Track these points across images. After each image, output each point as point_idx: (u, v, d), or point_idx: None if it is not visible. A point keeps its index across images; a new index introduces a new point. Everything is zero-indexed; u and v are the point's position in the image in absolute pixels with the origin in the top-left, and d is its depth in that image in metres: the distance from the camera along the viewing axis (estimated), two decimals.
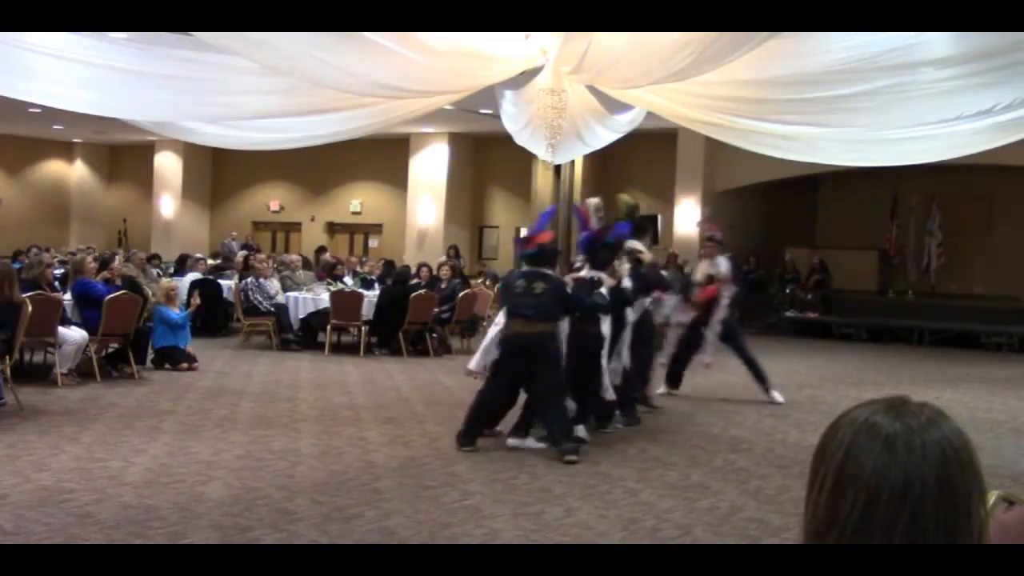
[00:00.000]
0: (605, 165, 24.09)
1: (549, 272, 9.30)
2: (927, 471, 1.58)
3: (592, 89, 9.33)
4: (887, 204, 22.79)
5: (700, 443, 9.69)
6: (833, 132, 9.28)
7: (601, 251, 9.74)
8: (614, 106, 10.14)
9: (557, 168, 23.60)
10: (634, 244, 10.48)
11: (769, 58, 7.60)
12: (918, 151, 9.49)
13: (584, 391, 9.45)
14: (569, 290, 9.30)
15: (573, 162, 23.40)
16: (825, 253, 23.14)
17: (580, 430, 9.30)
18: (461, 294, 17.29)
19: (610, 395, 9.65)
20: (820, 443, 1.70)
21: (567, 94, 8.89)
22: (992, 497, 2.80)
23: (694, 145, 21.80)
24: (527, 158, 17.72)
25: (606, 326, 9.53)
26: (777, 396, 12.14)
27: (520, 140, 10.46)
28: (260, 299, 16.52)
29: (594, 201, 10.32)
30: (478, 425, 9.23)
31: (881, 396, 1.66)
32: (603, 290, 9.33)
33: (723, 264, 12.18)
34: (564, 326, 9.35)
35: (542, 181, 24.92)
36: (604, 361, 9.53)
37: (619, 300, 9.65)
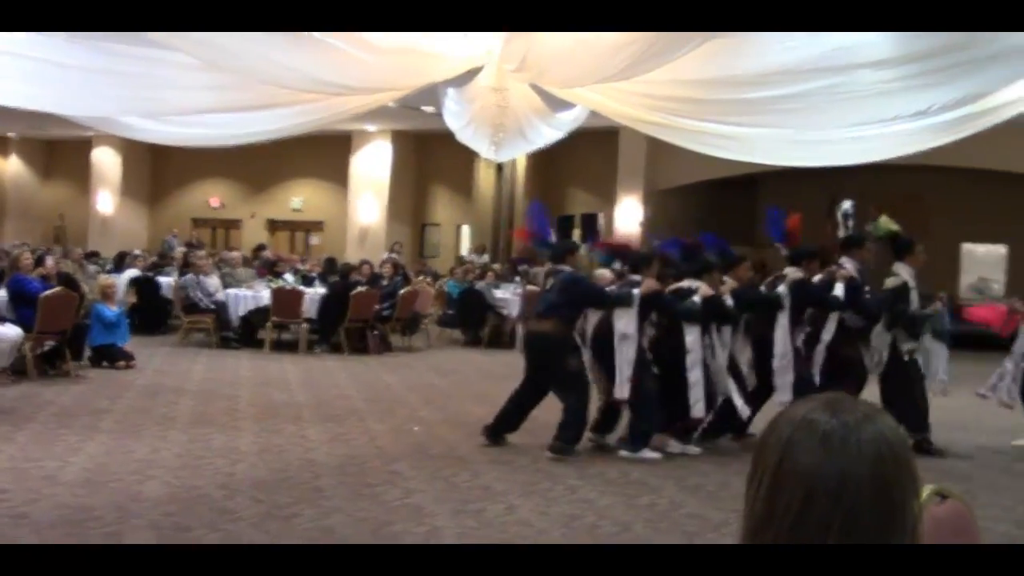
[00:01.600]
0: (548, 163, 24.14)
1: (563, 267, 9.37)
2: (863, 468, 1.60)
3: (535, 87, 9.33)
4: (825, 204, 23.02)
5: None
6: (772, 132, 9.36)
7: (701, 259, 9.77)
8: (557, 104, 10.15)
9: (500, 166, 23.64)
10: (897, 268, 9.98)
11: (710, 58, 7.64)
12: (856, 151, 9.58)
13: (667, 403, 9.22)
14: (585, 283, 9.45)
15: (516, 160, 23.45)
16: (765, 252, 23.30)
17: (673, 444, 9.24)
18: (402, 291, 17.25)
19: (698, 412, 9.15)
20: (759, 440, 1.72)
21: (510, 92, 8.88)
22: (926, 491, 2.84)
23: (636, 143, 21.91)
24: (469, 156, 17.71)
25: (692, 337, 9.14)
26: None
27: (463, 138, 10.43)
28: (200, 296, 16.37)
29: (846, 205, 10.32)
30: (503, 422, 9.27)
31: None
32: (695, 299, 9.25)
33: None
34: (625, 324, 8.99)
35: (484, 179, 24.94)
36: (693, 375, 9.12)
37: (715, 312, 9.34)
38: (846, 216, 10.17)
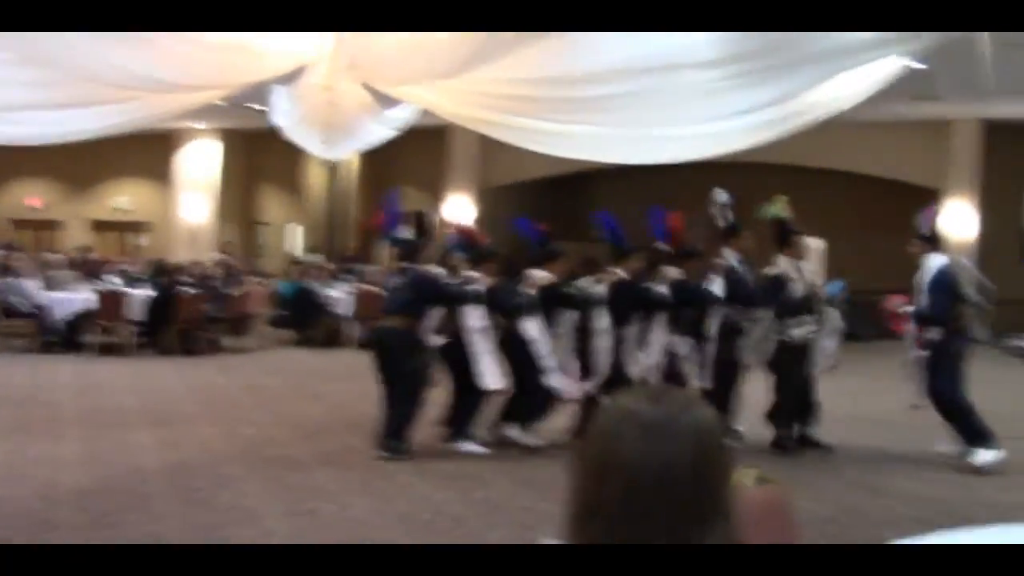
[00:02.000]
0: (380, 161, 23.98)
1: (411, 265, 9.31)
2: (683, 457, 1.65)
3: (367, 86, 9.28)
4: (659, 202, 23.49)
5: (477, 434, 9.68)
6: (603, 130, 9.49)
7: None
8: (389, 103, 10.10)
9: (331, 165, 23.43)
10: (777, 258, 9.57)
11: (543, 56, 7.70)
12: (683, 150, 9.75)
13: (519, 392, 9.34)
14: (439, 283, 9.26)
15: (347, 158, 23.26)
16: (597, 249, 23.62)
17: (512, 431, 9.32)
18: (233, 292, 16.96)
19: (558, 392, 9.21)
20: (585, 432, 1.77)
21: (340, 90, 8.81)
22: (747, 476, 2.95)
23: (468, 141, 22.03)
24: (300, 154, 17.52)
25: (533, 328, 9.17)
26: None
27: (292, 137, 10.30)
28: (19, 300, 15.77)
29: (722, 196, 10.07)
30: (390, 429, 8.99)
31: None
32: (527, 288, 9.32)
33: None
34: (475, 319, 9.07)
35: (315, 178, 24.68)
36: (547, 363, 9.14)
37: (554, 300, 9.38)
38: (724, 206, 10.02)
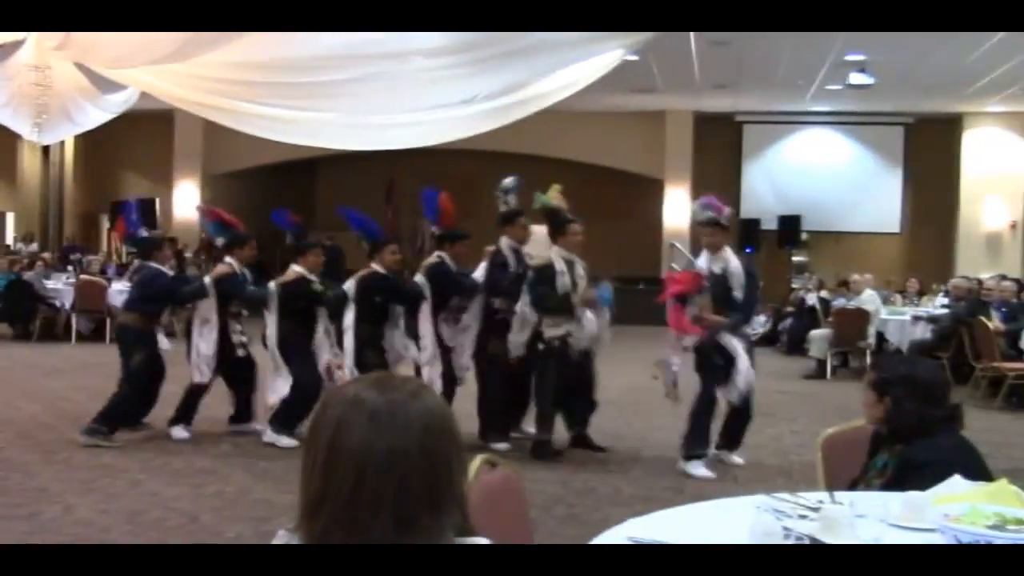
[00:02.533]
0: (99, 146, 23.09)
1: (147, 263, 9.39)
2: (410, 442, 1.70)
3: (81, 66, 8.90)
4: (382, 187, 23.60)
5: (207, 428, 9.39)
6: (329, 116, 9.45)
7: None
8: (106, 85, 9.73)
9: (46, 149, 22.49)
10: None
11: (265, 41, 7.61)
12: (410, 136, 9.84)
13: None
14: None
15: (63, 143, 22.35)
16: (325, 236, 23.52)
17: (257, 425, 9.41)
18: None
19: (281, 392, 9.00)
20: (313, 420, 1.79)
21: (53, 70, 8.43)
22: (476, 462, 3.04)
23: (192, 126, 21.52)
24: (11, 138, 16.65)
25: (271, 323, 9.12)
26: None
27: (2, 119, 9.79)
28: None
29: (507, 181, 9.47)
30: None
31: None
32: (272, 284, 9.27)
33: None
34: (206, 311, 9.14)
35: (29, 162, 23.57)
36: (276, 360, 9.05)
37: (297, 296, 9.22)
38: (507, 191, 9.56)
